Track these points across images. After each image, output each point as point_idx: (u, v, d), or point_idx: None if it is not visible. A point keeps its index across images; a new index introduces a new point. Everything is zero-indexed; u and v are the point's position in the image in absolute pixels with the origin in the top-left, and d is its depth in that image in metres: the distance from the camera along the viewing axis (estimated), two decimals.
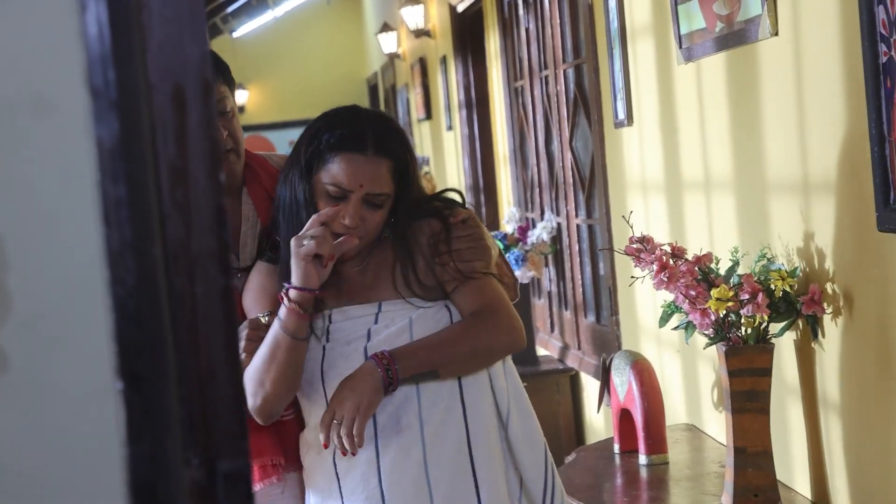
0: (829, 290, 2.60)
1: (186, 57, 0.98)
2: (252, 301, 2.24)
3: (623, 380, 3.19)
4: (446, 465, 2.16)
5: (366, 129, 2.17)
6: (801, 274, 2.68)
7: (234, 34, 12.35)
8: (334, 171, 2.15)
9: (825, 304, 2.59)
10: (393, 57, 10.19)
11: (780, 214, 2.84)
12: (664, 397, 3.20)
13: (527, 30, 5.85)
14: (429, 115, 9.02)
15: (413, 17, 8.44)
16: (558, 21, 5.23)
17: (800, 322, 2.69)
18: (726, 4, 3.01)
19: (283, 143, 12.38)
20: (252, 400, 2.14)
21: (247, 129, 12.84)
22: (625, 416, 3.24)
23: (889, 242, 2.33)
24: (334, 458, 2.17)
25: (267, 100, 12.74)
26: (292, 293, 2.12)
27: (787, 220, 2.79)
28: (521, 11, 5.95)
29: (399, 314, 2.19)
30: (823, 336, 2.64)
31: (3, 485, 0.91)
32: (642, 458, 3.11)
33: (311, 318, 2.16)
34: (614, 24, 4.06)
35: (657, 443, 3.11)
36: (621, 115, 4.09)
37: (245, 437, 1.02)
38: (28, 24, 0.91)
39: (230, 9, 11.12)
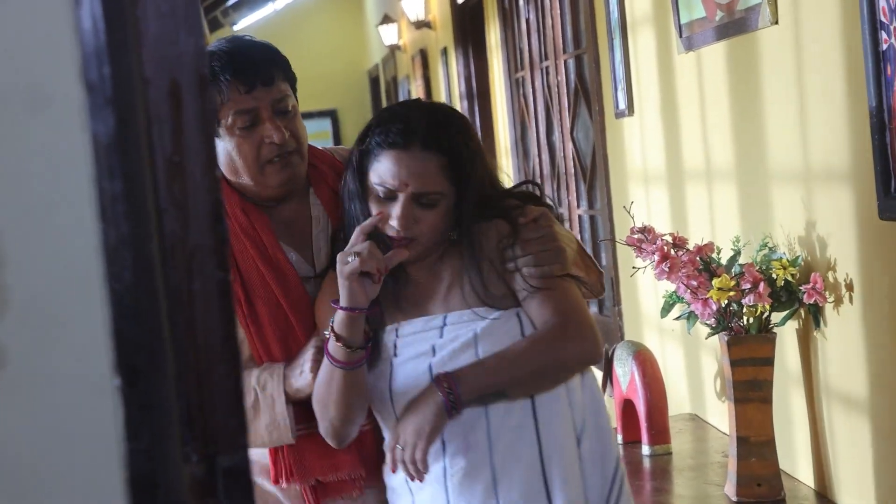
0: (831, 279, 2.59)
1: (182, 51, 0.97)
2: (324, 314, 2.07)
3: (626, 370, 3.19)
4: (517, 486, 2.00)
5: (414, 123, 2.00)
6: (802, 263, 2.68)
7: (235, 27, 12.33)
8: (381, 170, 2.00)
9: (827, 293, 2.59)
10: (394, 49, 10.18)
11: (782, 203, 2.83)
12: (667, 387, 3.19)
13: (527, 20, 5.84)
14: None
15: (414, 8, 8.43)
16: (559, 11, 5.22)
17: (801, 311, 2.69)
18: None
19: None
20: (321, 424, 2.05)
21: None
22: (627, 407, 3.24)
23: (891, 231, 2.32)
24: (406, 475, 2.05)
25: None
26: (338, 318, 1.99)
27: (788, 209, 2.79)
28: (521, 2, 5.94)
29: (464, 327, 2.01)
30: (825, 325, 2.63)
31: (2, 480, 0.91)
32: (645, 449, 3.11)
33: (367, 337, 2.02)
34: (614, 15, 4.05)
35: (660, 433, 3.11)
36: (622, 106, 4.08)
37: (244, 432, 1.01)
38: (23, 19, 0.91)
39: (231, 2, 11.11)
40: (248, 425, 2.01)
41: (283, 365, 2.10)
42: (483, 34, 7.10)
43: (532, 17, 5.74)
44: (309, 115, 12.04)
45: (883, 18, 2.26)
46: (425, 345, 2.02)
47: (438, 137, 2.01)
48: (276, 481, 2.11)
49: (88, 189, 0.91)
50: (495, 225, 2.03)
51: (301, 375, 2.08)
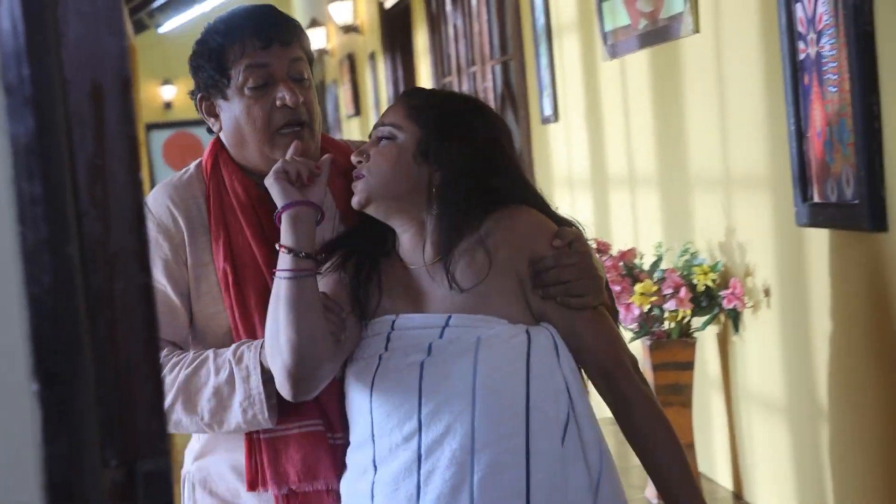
0: (750, 285, 2.63)
1: (104, 52, 0.96)
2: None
3: None
4: None
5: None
6: (722, 268, 2.71)
7: (160, 29, 12.21)
8: None
9: (746, 298, 2.62)
10: (321, 53, 10.14)
11: (702, 210, 2.87)
12: (589, 392, 3.21)
13: (454, 26, 5.86)
14: (357, 111, 8.99)
15: (341, 13, 8.41)
16: (485, 18, 5.24)
17: (721, 316, 2.72)
18: (650, 2, 3.03)
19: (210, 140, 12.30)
20: (275, 371, 1.81)
21: (174, 125, 12.74)
22: None
23: (807, 236, 2.36)
24: (372, 489, 1.84)
25: None
26: (282, 225, 1.83)
27: (708, 215, 2.83)
28: (448, 8, 5.95)
29: (467, 331, 1.82)
30: (744, 329, 2.67)
31: None
32: None
33: (317, 252, 1.84)
34: (540, 22, 4.08)
35: None
36: (548, 112, 4.10)
37: (165, 436, 1.00)
38: None
39: (156, 4, 10.99)
40: (224, 408, 1.89)
41: (262, 340, 1.89)
42: (411, 39, 7.10)
43: (459, 22, 5.75)
44: None
45: (801, 29, 2.30)
46: (422, 343, 1.84)
47: (426, 97, 1.92)
48: (252, 487, 1.92)
49: (6, 191, 0.90)
50: (533, 240, 1.83)
51: None
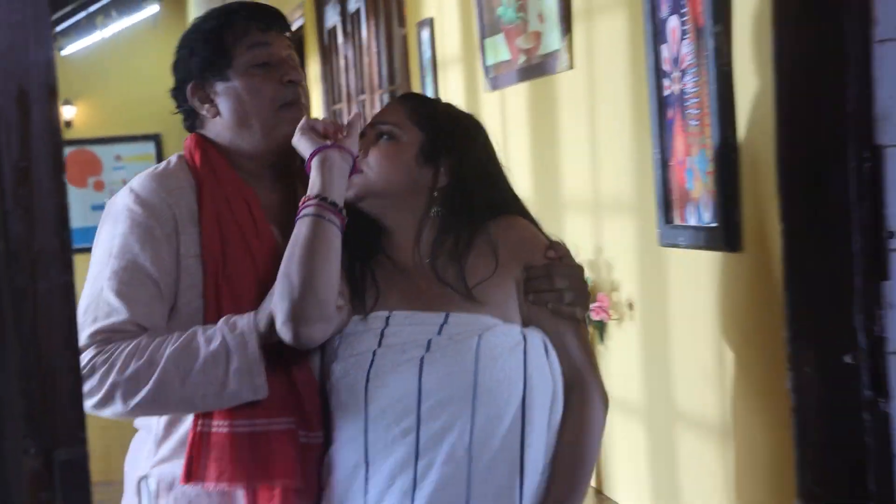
0: (615, 299, 2.67)
1: (31, 61, 0.95)
2: None
3: None
4: None
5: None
6: (591, 284, 2.75)
7: (63, 52, 11.95)
8: None
9: (611, 311, 2.67)
10: None
11: (574, 231, 2.91)
12: None
13: (345, 57, 5.85)
14: None
15: None
16: (375, 51, 5.24)
17: (590, 327, 2.76)
18: (528, 39, 3.08)
19: (109, 158, 12.08)
20: (280, 307, 1.69)
21: (74, 143, 12.46)
22: None
23: (669, 255, 2.41)
24: (366, 485, 1.74)
25: (95, 116, 12.39)
26: (312, 174, 1.72)
27: (579, 235, 2.87)
28: (339, 40, 5.95)
29: (467, 329, 1.74)
30: (609, 340, 2.72)
31: None
32: None
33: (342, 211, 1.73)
34: (427, 55, 4.10)
35: None
36: None
37: (83, 426, 0.98)
38: None
39: (59, 28, 10.76)
40: (216, 378, 1.72)
41: (255, 310, 1.77)
42: (304, 68, 7.07)
43: (350, 54, 5.75)
44: (133, 139, 11.76)
45: (666, 68, 2.35)
46: (420, 338, 1.74)
47: (424, 103, 1.88)
48: (189, 478, 1.76)
49: None
50: (531, 247, 1.82)
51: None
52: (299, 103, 1.84)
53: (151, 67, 11.99)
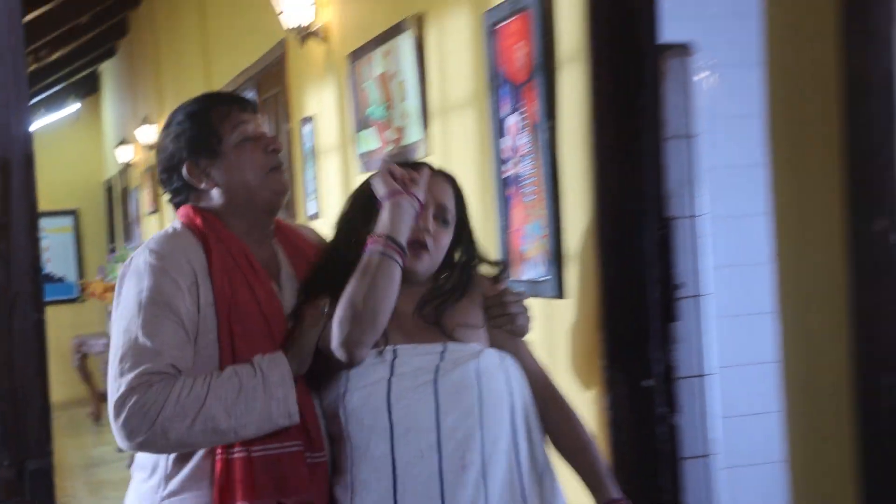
0: None
1: (13, 135, 0.92)
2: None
3: None
4: None
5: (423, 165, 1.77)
6: None
7: None
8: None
9: None
10: (128, 166, 9.78)
11: None
12: None
13: None
14: (156, 209, 8.70)
15: (146, 134, 8.18)
16: None
17: None
18: (394, 132, 3.11)
19: None
20: (342, 331, 1.61)
21: None
22: None
23: None
24: (395, 495, 1.63)
25: None
26: (383, 217, 1.64)
27: None
28: None
29: (464, 354, 1.69)
30: None
31: None
32: None
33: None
34: (308, 145, 4.10)
35: None
36: (312, 211, 4.11)
37: (50, 440, 0.95)
38: None
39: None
40: (252, 410, 1.59)
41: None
42: None
43: None
44: (55, 213, 11.32)
45: (506, 155, 2.42)
46: (427, 366, 1.67)
47: (455, 183, 1.80)
48: (222, 502, 1.61)
49: None
50: (487, 282, 1.78)
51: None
52: (281, 167, 1.80)
53: (72, 154, 11.63)
